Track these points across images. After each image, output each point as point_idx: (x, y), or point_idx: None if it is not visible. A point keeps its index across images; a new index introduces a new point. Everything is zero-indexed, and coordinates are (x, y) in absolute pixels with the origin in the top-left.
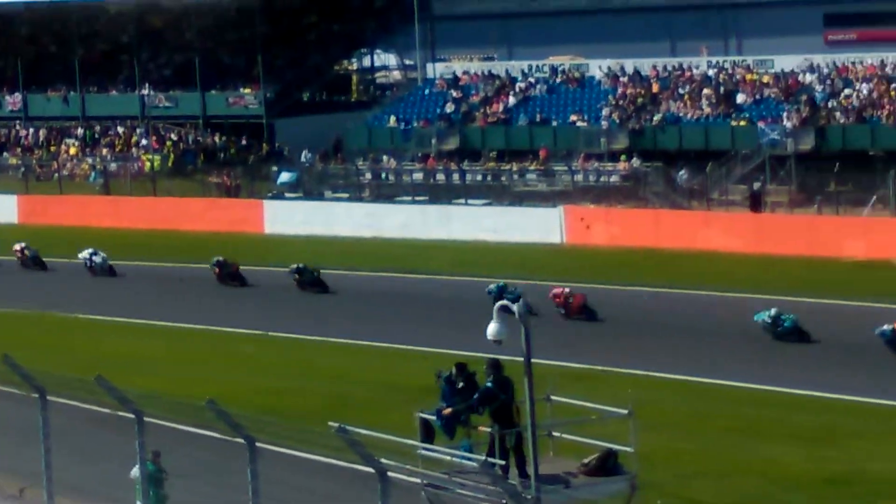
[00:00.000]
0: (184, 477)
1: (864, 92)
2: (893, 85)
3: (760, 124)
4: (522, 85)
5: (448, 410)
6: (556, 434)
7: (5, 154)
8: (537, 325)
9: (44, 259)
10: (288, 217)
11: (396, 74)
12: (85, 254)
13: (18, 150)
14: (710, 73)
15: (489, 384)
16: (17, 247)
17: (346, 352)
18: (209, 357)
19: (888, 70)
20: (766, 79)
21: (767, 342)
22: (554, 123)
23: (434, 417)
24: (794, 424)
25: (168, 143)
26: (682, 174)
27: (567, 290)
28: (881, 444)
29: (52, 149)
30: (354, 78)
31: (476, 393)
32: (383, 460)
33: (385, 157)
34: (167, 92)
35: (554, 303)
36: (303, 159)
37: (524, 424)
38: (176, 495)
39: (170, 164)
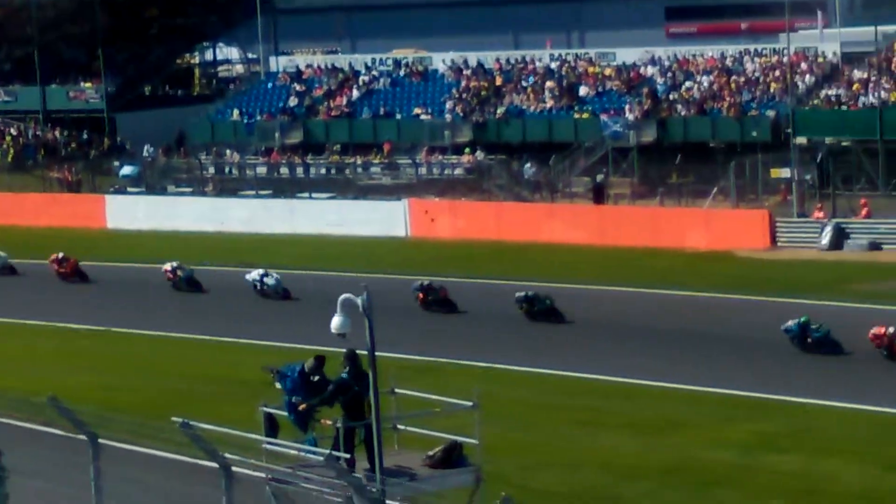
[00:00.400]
0: (25, 475)
1: (705, 84)
2: (733, 77)
3: (603, 117)
4: (366, 78)
5: (304, 406)
6: (400, 427)
7: None
8: (389, 319)
9: None
10: (130, 212)
11: (239, 68)
12: None
13: None
14: (553, 65)
15: (344, 375)
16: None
17: (189, 347)
18: (49, 353)
19: (728, 62)
20: (608, 71)
21: (607, 333)
22: (398, 117)
23: (283, 412)
24: (632, 414)
25: (7, 137)
26: (529, 167)
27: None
28: (716, 432)
29: None
30: (197, 72)
31: (330, 385)
32: (227, 455)
33: (228, 152)
34: (6, 86)
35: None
36: (145, 154)
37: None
38: (17, 494)
39: (9, 159)
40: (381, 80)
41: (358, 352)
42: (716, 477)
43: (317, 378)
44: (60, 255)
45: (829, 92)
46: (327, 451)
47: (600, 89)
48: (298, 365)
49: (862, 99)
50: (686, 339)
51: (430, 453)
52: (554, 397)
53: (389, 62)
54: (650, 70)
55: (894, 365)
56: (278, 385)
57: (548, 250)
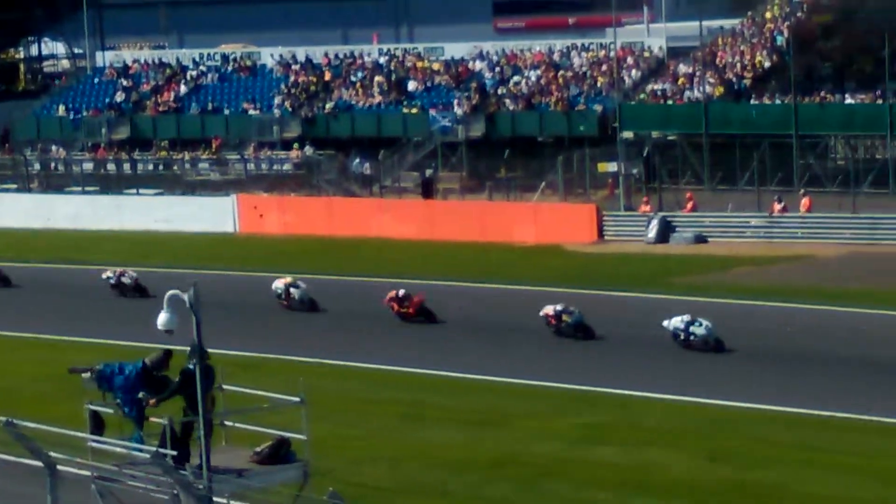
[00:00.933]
0: None
1: (533, 79)
2: (561, 72)
3: (432, 111)
4: (193, 73)
5: (153, 401)
6: (228, 423)
7: None
8: (216, 315)
9: None
10: None
11: (65, 63)
12: None
13: None
14: (382, 60)
15: (190, 367)
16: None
17: (11, 345)
18: None
19: (556, 57)
20: (436, 66)
21: (436, 327)
22: (226, 112)
23: (108, 410)
24: (460, 408)
25: None
26: (359, 162)
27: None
28: (543, 424)
29: None
30: (21, 67)
31: (177, 378)
32: (52, 453)
33: (54, 147)
34: None
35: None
36: None
37: (214, 412)
38: None
39: None
40: (209, 76)
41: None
42: (543, 469)
43: (162, 373)
44: None
45: (655, 86)
46: (154, 449)
47: (429, 84)
48: (128, 363)
49: (687, 93)
50: (514, 333)
51: (258, 449)
52: (381, 391)
53: (217, 57)
54: (478, 65)
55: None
56: (94, 386)
57: (377, 245)
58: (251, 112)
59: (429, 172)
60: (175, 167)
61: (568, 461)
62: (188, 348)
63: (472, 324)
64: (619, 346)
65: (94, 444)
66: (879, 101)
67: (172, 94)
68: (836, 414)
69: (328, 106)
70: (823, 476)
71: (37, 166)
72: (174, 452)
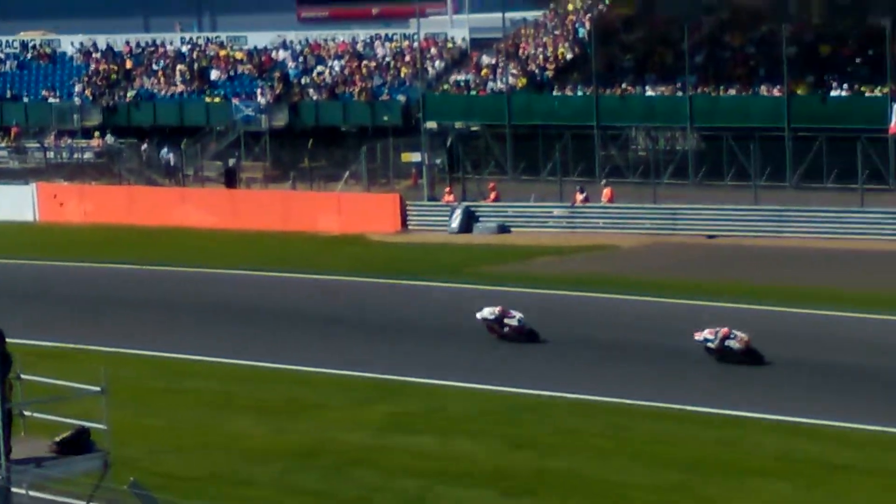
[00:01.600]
0: None
1: (337, 69)
2: (364, 62)
3: (235, 101)
4: None
5: None
6: (27, 413)
7: None
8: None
9: None
10: None
11: None
12: None
13: None
14: (184, 49)
15: None
16: None
17: None
18: None
19: (359, 47)
20: (239, 55)
21: (238, 316)
22: (25, 100)
23: None
24: (265, 398)
25: None
26: (165, 151)
27: None
28: (350, 414)
29: None
30: None
31: None
32: None
33: None
34: None
35: None
36: None
37: (12, 401)
38: None
39: None
40: (8, 63)
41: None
42: (350, 458)
43: None
44: None
45: (459, 77)
46: None
47: (232, 73)
48: None
49: (490, 84)
50: (322, 323)
51: (58, 439)
52: (186, 381)
53: (16, 45)
54: (282, 54)
55: (514, 345)
56: None
57: (180, 235)
58: (51, 100)
59: (232, 162)
60: None
61: (375, 450)
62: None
63: (279, 313)
64: (425, 336)
65: None
66: (679, 93)
67: None
68: (638, 402)
69: (129, 94)
70: (625, 463)
71: None
72: None
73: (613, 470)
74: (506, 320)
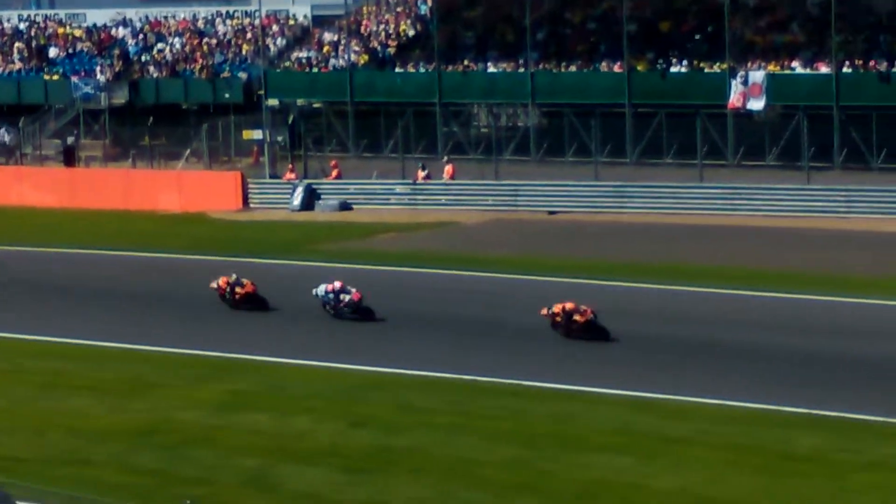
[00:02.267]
0: None
1: (177, 46)
2: (205, 39)
3: (74, 78)
4: None
5: None
6: None
7: None
8: None
9: None
10: None
11: None
12: None
13: None
14: (22, 27)
15: None
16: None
17: None
18: None
19: (200, 24)
20: (78, 33)
21: (76, 294)
22: None
23: None
24: (102, 377)
25: None
26: (2, 130)
27: None
28: (188, 392)
29: None
30: None
31: None
32: None
33: None
34: None
35: None
36: None
37: None
38: None
39: None
40: None
41: None
42: (189, 437)
43: None
44: None
45: (300, 54)
46: None
47: (70, 51)
48: None
49: (332, 61)
50: (154, 301)
51: None
52: (21, 361)
53: None
54: (121, 31)
55: (354, 322)
56: None
57: (18, 214)
58: None
59: (70, 140)
60: None
61: (214, 428)
62: None
63: (114, 292)
64: (265, 314)
65: None
66: (521, 70)
67: None
68: (480, 378)
69: None
70: (466, 439)
71: None
72: None
73: (455, 446)
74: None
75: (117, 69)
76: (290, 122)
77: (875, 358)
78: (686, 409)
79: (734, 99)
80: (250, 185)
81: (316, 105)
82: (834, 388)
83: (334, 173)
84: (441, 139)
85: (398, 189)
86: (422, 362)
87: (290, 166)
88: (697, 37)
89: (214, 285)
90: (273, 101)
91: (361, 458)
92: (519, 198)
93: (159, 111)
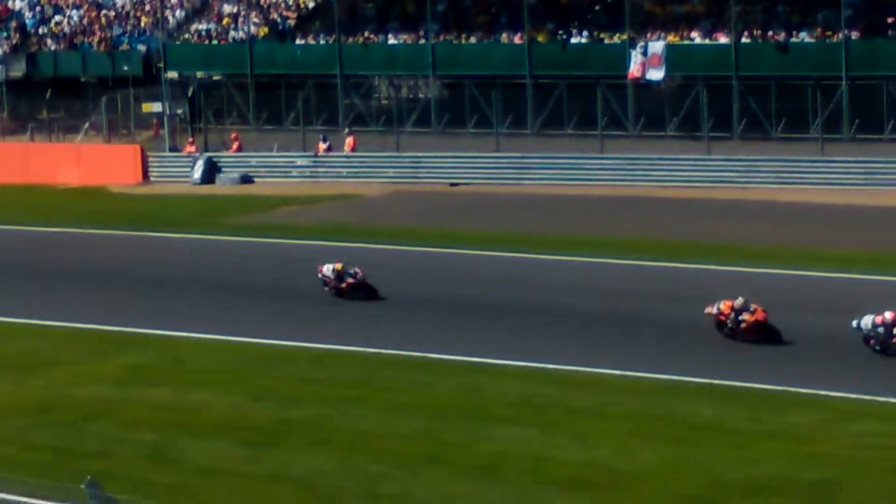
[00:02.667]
0: None
1: (75, 18)
2: (104, 11)
3: None
4: None
5: None
6: None
7: None
8: None
9: None
10: None
11: None
12: None
13: None
14: None
15: None
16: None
17: None
18: None
19: None
20: None
21: None
22: None
23: None
24: (1, 353)
25: None
26: None
27: None
28: (87, 367)
29: None
30: None
31: None
32: None
33: None
34: None
35: None
36: None
37: None
38: None
39: None
40: None
41: None
42: (89, 412)
43: None
44: None
45: (200, 26)
46: None
47: None
48: None
49: (231, 33)
50: (52, 276)
51: None
52: None
53: None
54: (18, 4)
55: (254, 296)
56: None
57: None
58: None
59: None
60: None
61: (113, 403)
62: None
63: (10, 267)
64: (162, 288)
65: None
66: (422, 41)
67: None
68: (382, 351)
69: None
70: (368, 412)
71: None
72: None
73: (357, 418)
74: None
75: (14, 42)
76: (189, 94)
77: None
78: (590, 380)
79: (634, 69)
80: (150, 159)
81: (216, 77)
82: (734, 358)
83: (235, 146)
84: (342, 111)
85: (299, 162)
86: (322, 336)
87: (191, 139)
88: (597, 8)
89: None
90: (172, 74)
91: (263, 431)
92: (420, 170)
93: (58, 84)
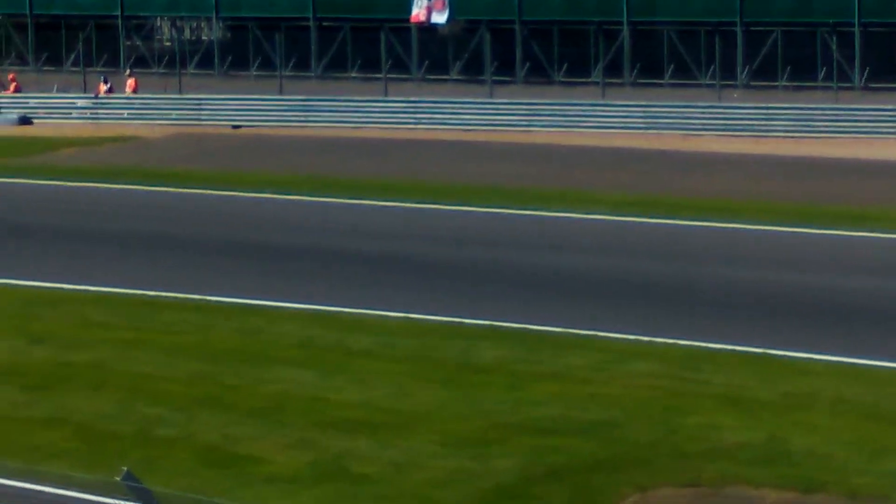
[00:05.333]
0: None
1: None
2: None
3: None
4: None
5: None
6: None
7: None
8: None
9: None
10: None
11: None
12: None
13: None
14: None
15: None
16: None
17: None
18: None
19: None
20: None
21: None
22: None
23: None
24: None
25: None
26: None
27: None
28: None
29: None
30: None
31: None
32: None
33: None
34: None
35: None
36: None
37: None
38: None
39: None
40: None
41: None
42: None
43: None
44: None
45: None
46: None
47: None
48: None
49: None
50: None
51: None
52: None
53: None
54: None
55: (31, 238)
56: None
57: None
58: None
59: None
60: None
61: None
62: None
63: None
64: None
65: None
66: None
67: None
68: (160, 293)
69: None
70: (148, 355)
71: None
72: None
73: (136, 362)
74: None
75: None
76: None
77: (553, 269)
78: (369, 322)
79: (418, 13)
80: None
81: None
82: (513, 300)
83: (13, 87)
84: (124, 53)
85: (79, 103)
86: (99, 278)
87: None
88: None
89: None
90: None
91: (41, 375)
92: (203, 111)
93: None
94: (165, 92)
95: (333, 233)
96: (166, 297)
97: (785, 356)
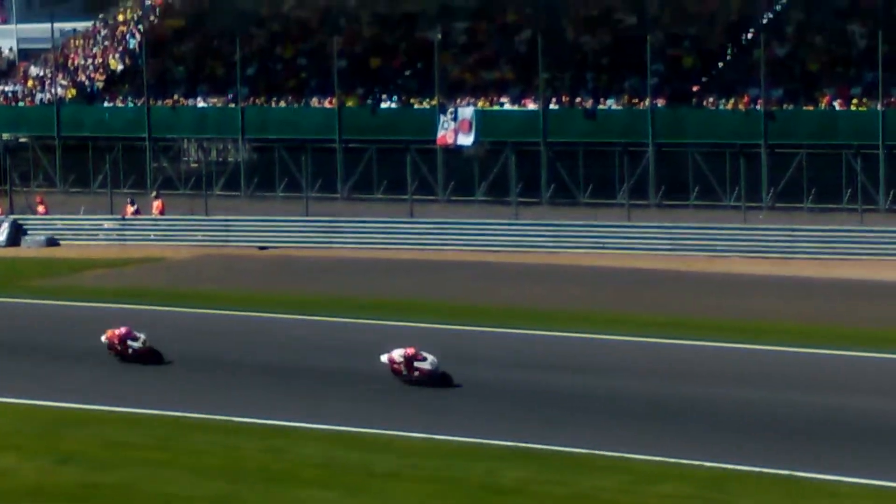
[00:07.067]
0: None
1: None
2: None
3: None
4: None
5: None
6: None
7: None
8: None
9: None
10: None
11: None
12: None
13: None
14: None
15: None
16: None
17: None
18: None
19: None
20: None
21: None
22: None
23: None
24: None
25: None
26: None
27: None
28: None
29: None
30: None
31: None
32: None
33: None
34: None
35: None
36: None
37: None
38: None
39: None
40: None
41: None
42: None
43: None
44: None
45: (6, 88)
46: None
47: None
48: None
49: (39, 95)
50: None
51: None
52: None
53: None
54: None
55: (57, 360)
56: None
57: None
58: None
59: None
60: None
61: None
62: None
63: None
64: None
65: None
66: (231, 105)
67: None
68: (185, 414)
69: None
70: (174, 475)
71: None
72: None
73: (162, 482)
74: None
75: None
76: None
77: (579, 390)
78: (394, 443)
79: (444, 135)
80: None
81: (22, 139)
82: (537, 420)
83: (41, 209)
84: (150, 174)
85: (106, 224)
86: (126, 399)
87: None
88: (407, 73)
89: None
90: None
91: (68, 495)
92: (230, 233)
93: None
94: (192, 213)
95: (350, 353)
96: (191, 417)
97: (813, 478)
